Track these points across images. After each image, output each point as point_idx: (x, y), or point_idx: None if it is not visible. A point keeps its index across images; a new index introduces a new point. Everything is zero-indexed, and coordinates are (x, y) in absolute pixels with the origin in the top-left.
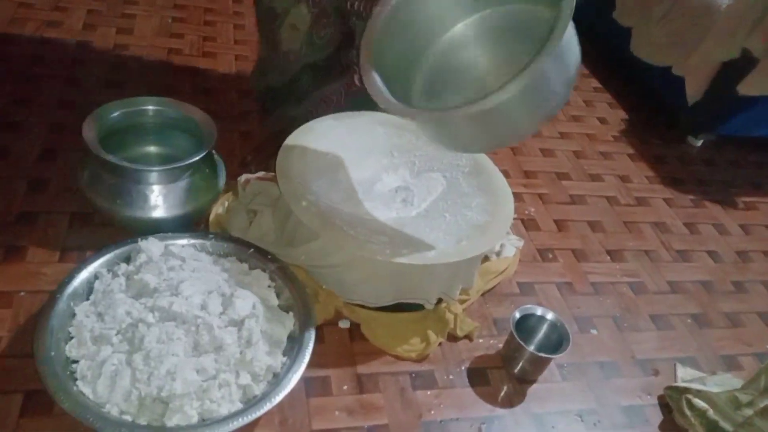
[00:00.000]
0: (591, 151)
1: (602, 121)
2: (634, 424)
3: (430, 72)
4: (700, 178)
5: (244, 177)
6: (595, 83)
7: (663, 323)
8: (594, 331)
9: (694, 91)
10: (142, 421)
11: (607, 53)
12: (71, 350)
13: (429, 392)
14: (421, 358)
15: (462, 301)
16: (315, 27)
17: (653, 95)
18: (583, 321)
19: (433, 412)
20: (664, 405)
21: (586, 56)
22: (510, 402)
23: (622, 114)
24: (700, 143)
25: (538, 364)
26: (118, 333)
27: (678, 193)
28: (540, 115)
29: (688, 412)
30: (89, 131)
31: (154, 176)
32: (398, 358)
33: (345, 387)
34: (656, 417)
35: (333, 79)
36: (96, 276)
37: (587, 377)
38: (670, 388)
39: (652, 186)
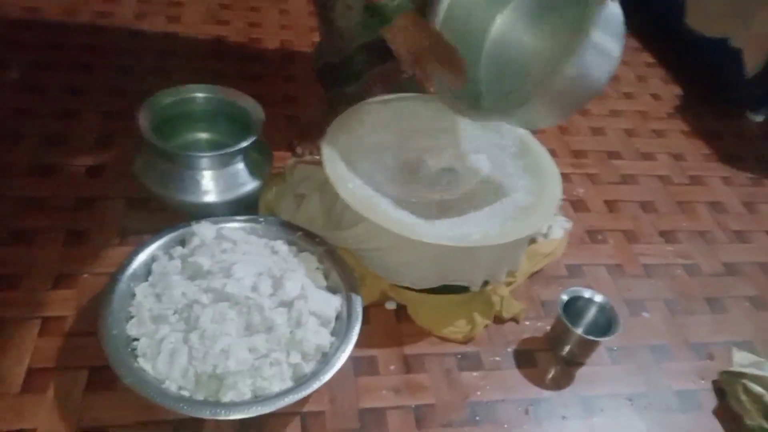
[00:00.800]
0: (643, 128)
1: (655, 97)
2: (686, 409)
3: (487, 67)
4: (760, 155)
5: (291, 161)
6: (648, 58)
7: (718, 306)
8: (645, 315)
9: (753, 63)
10: (199, 397)
11: (661, 26)
12: (132, 329)
13: (475, 374)
14: (467, 340)
15: (508, 284)
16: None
17: (709, 69)
18: (634, 304)
19: (479, 393)
20: (719, 390)
21: (639, 30)
22: (557, 384)
23: (676, 90)
24: (760, 118)
25: (586, 347)
26: (175, 313)
27: (736, 171)
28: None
29: (743, 398)
30: (143, 120)
31: (204, 162)
32: (444, 339)
33: (392, 367)
34: (710, 402)
35: (387, 59)
36: (153, 258)
37: (638, 361)
38: (725, 372)
39: (708, 164)
